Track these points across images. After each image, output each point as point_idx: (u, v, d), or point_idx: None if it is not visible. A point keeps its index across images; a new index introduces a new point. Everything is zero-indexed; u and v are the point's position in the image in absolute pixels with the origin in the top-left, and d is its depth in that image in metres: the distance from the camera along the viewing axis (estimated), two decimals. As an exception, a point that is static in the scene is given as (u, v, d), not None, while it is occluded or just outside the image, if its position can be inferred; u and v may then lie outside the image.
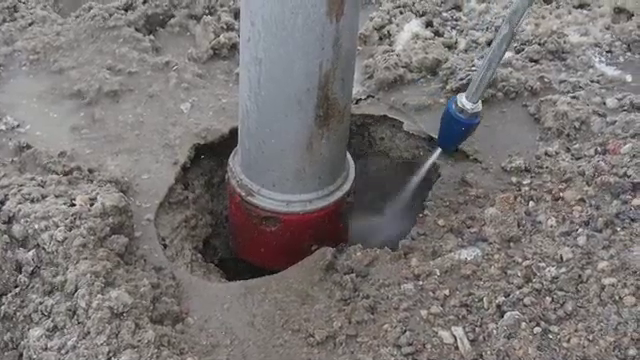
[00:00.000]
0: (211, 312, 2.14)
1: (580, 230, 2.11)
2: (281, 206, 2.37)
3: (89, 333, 1.86)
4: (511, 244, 2.17)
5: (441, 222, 2.35)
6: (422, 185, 2.66)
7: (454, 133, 2.46)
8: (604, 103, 2.75)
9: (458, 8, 3.70)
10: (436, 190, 2.51)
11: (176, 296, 2.16)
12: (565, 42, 3.17)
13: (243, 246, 2.62)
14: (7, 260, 2.06)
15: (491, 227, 2.24)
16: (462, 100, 2.36)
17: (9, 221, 2.15)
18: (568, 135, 2.61)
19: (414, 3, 3.62)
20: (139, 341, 1.87)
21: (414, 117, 2.87)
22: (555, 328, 1.86)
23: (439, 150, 2.58)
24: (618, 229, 2.07)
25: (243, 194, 2.40)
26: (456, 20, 3.60)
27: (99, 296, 1.92)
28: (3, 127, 2.71)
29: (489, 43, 3.31)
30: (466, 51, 3.29)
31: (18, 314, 1.99)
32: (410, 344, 1.92)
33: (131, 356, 1.82)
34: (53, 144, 2.64)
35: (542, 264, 2.04)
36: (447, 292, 2.05)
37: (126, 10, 3.37)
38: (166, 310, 2.06)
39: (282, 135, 2.22)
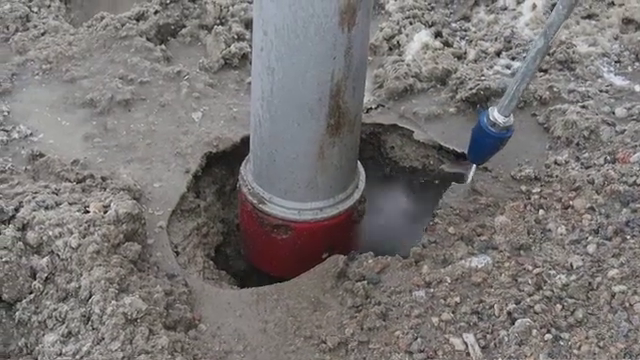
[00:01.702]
0: (224, 319, 2.16)
1: (590, 238, 2.12)
2: (292, 214, 2.39)
3: (103, 339, 1.88)
4: (521, 252, 2.18)
5: (451, 230, 2.36)
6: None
7: (485, 147, 2.43)
8: (613, 112, 2.76)
9: (467, 19, 3.71)
10: (446, 198, 2.52)
11: (189, 303, 2.17)
12: (574, 52, 3.18)
13: (255, 254, 2.63)
14: (22, 267, 2.08)
15: (501, 235, 2.25)
16: (494, 114, 2.32)
17: (23, 228, 2.17)
18: (577, 144, 2.62)
19: (423, 14, 3.64)
20: (153, 347, 1.89)
21: (424, 126, 2.89)
22: (566, 335, 1.87)
23: (474, 166, 2.55)
24: (628, 237, 2.08)
25: (255, 202, 2.42)
26: (465, 31, 3.61)
27: (113, 302, 1.94)
28: (16, 135, 2.73)
29: (498, 53, 3.33)
30: (475, 61, 3.30)
31: (33, 320, 2.01)
32: (422, 351, 1.94)
33: (145, 362, 1.84)
34: (66, 152, 2.66)
35: (552, 272, 2.05)
36: (458, 299, 2.06)
37: (138, 20, 3.40)
38: (179, 316, 2.07)
39: (294, 143, 2.23)
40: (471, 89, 2.92)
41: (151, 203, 2.52)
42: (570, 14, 2.08)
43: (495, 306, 1.99)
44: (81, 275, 2.03)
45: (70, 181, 2.47)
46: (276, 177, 2.35)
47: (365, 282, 2.20)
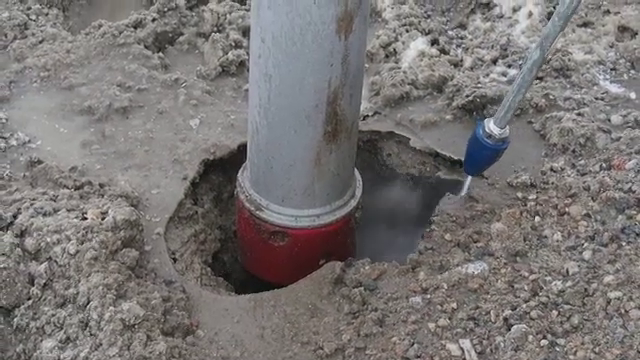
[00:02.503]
0: (221, 325, 2.16)
1: (586, 244, 2.13)
2: (290, 221, 2.39)
3: (101, 345, 1.89)
4: (517, 258, 2.19)
5: (448, 237, 2.37)
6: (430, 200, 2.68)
7: (481, 158, 2.42)
8: (609, 120, 2.78)
9: (463, 27, 3.73)
10: (443, 205, 2.52)
11: (186, 309, 2.18)
12: (570, 60, 3.20)
13: (252, 261, 2.64)
14: (20, 273, 2.08)
15: (497, 242, 2.26)
16: (490, 125, 2.31)
17: (22, 234, 2.17)
18: (573, 151, 2.63)
19: (420, 22, 3.66)
20: (151, 353, 1.89)
21: (420, 133, 2.90)
22: (562, 341, 1.87)
23: (470, 178, 2.55)
24: (623, 244, 2.09)
25: (252, 209, 2.42)
26: (461, 38, 3.63)
27: (111, 308, 1.95)
28: (14, 143, 2.74)
29: (494, 61, 3.35)
30: (471, 69, 3.31)
31: (31, 326, 2.01)
32: (418, 356, 1.94)
33: (143, 367, 1.85)
34: (64, 159, 2.67)
35: (548, 278, 2.06)
36: (455, 305, 2.06)
37: (135, 28, 3.41)
38: (177, 323, 2.08)
39: (291, 150, 2.24)
40: (467, 96, 2.93)
41: (149, 210, 2.52)
42: (566, 26, 2.08)
43: (491, 312, 2.00)
44: (79, 281, 2.04)
45: (68, 188, 2.48)
46: (273, 184, 2.35)
47: (362, 288, 2.21)
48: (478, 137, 2.35)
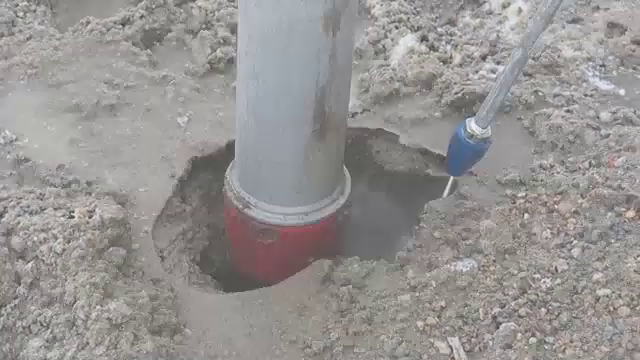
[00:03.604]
0: (209, 323, 2.16)
1: (575, 242, 2.13)
2: (278, 219, 2.38)
3: (88, 344, 1.88)
4: (506, 256, 2.18)
5: (437, 234, 2.36)
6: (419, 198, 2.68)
7: (463, 158, 2.42)
8: (598, 117, 2.78)
9: (453, 23, 3.72)
10: (432, 203, 2.52)
11: (174, 307, 2.17)
12: (559, 56, 3.20)
13: (240, 259, 2.63)
14: (6, 272, 2.07)
15: (486, 239, 2.25)
16: (471, 125, 2.31)
17: (8, 233, 2.16)
18: (562, 148, 2.63)
19: (409, 18, 3.65)
20: (138, 352, 1.89)
21: (409, 130, 2.89)
22: (550, 339, 1.88)
23: (452, 178, 2.55)
24: (612, 241, 2.09)
25: (240, 207, 2.42)
26: (451, 35, 3.62)
27: (98, 307, 1.94)
28: (1, 140, 2.72)
29: (484, 57, 3.34)
30: (461, 65, 3.31)
31: (17, 325, 2.00)
32: (407, 355, 1.94)
33: (130, 367, 1.84)
34: (51, 157, 2.65)
35: (537, 275, 2.06)
36: (443, 303, 2.06)
37: (123, 25, 3.39)
38: (164, 321, 2.07)
39: (279, 148, 2.23)
40: (456, 93, 2.93)
41: (136, 208, 2.51)
42: (547, 25, 2.08)
43: (480, 310, 2.00)
44: (66, 280, 2.03)
45: (55, 186, 2.47)
46: (261, 182, 2.35)
47: (350, 286, 2.20)
48: (460, 137, 2.35)
